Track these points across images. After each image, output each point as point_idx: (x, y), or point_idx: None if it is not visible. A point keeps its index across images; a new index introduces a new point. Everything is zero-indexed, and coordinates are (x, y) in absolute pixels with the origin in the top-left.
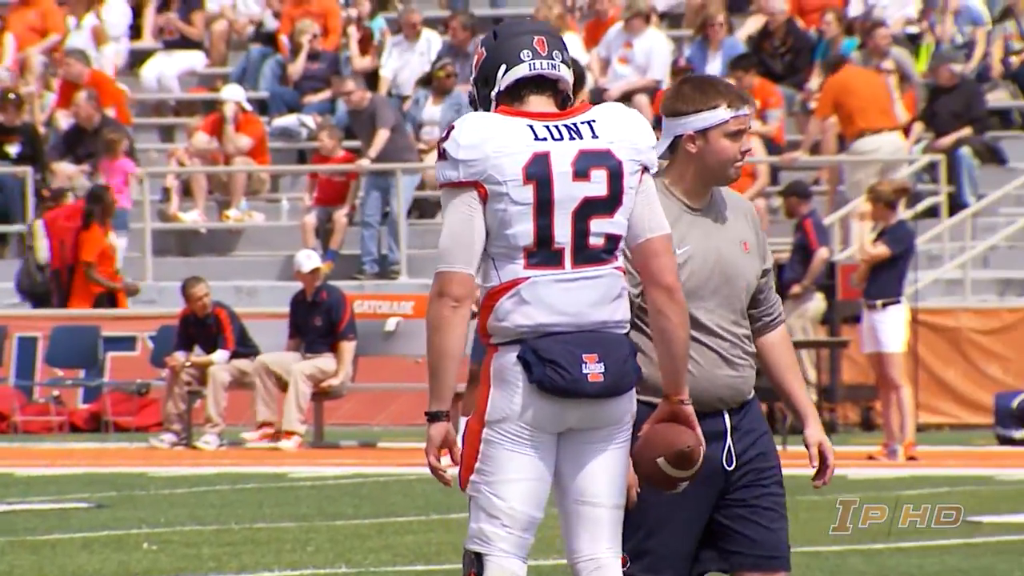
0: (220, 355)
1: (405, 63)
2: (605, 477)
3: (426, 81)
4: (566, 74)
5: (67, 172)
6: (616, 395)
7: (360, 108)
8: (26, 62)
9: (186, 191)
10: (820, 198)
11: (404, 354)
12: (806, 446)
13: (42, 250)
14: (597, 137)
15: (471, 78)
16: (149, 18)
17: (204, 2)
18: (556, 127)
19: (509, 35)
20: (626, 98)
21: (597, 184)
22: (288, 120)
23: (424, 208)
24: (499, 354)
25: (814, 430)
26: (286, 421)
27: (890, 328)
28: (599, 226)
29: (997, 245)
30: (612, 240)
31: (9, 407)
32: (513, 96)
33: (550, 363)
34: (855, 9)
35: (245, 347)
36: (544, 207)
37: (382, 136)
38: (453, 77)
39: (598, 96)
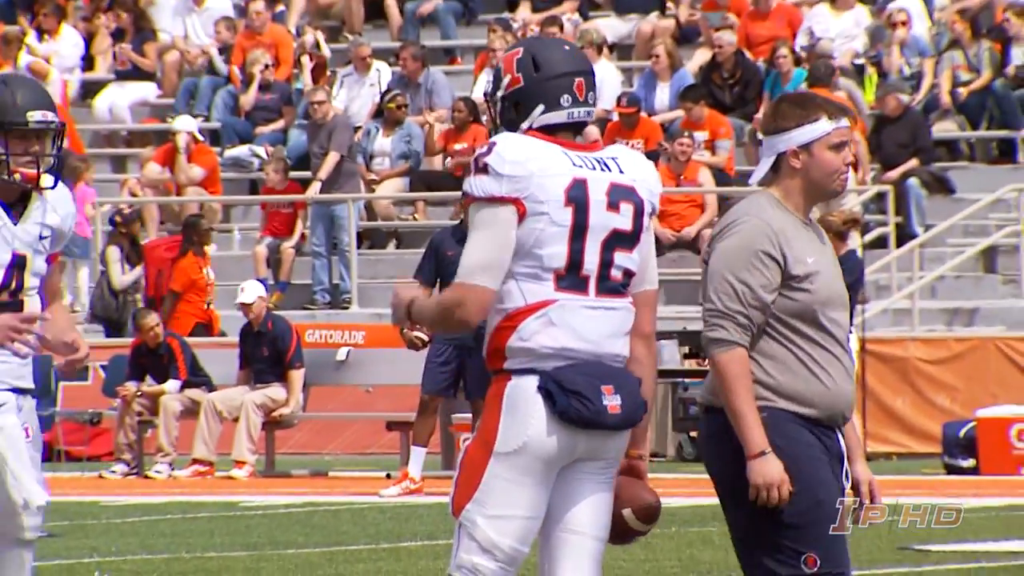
0: (172, 385)
1: (355, 95)
2: (595, 509)
3: (377, 112)
4: (593, 114)
5: None
6: (630, 427)
7: (323, 122)
8: None
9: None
10: None
11: (355, 383)
12: (854, 483)
13: (116, 275)
14: (623, 173)
15: (497, 94)
16: (102, 49)
17: (157, 33)
18: (587, 158)
19: (551, 72)
20: None
21: (624, 217)
22: (240, 151)
23: (375, 238)
24: (514, 382)
25: (863, 467)
26: (237, 451)
27: None
28: (621, 259)
29: (945, 275)
30: (628, 275)
31: None
32: (542, 131)
33: (574, 394)
34: (801, 40)
35: (197, 377)
36: (579, 232)
37: (332, 159)
38: (404, 108)
39: None
